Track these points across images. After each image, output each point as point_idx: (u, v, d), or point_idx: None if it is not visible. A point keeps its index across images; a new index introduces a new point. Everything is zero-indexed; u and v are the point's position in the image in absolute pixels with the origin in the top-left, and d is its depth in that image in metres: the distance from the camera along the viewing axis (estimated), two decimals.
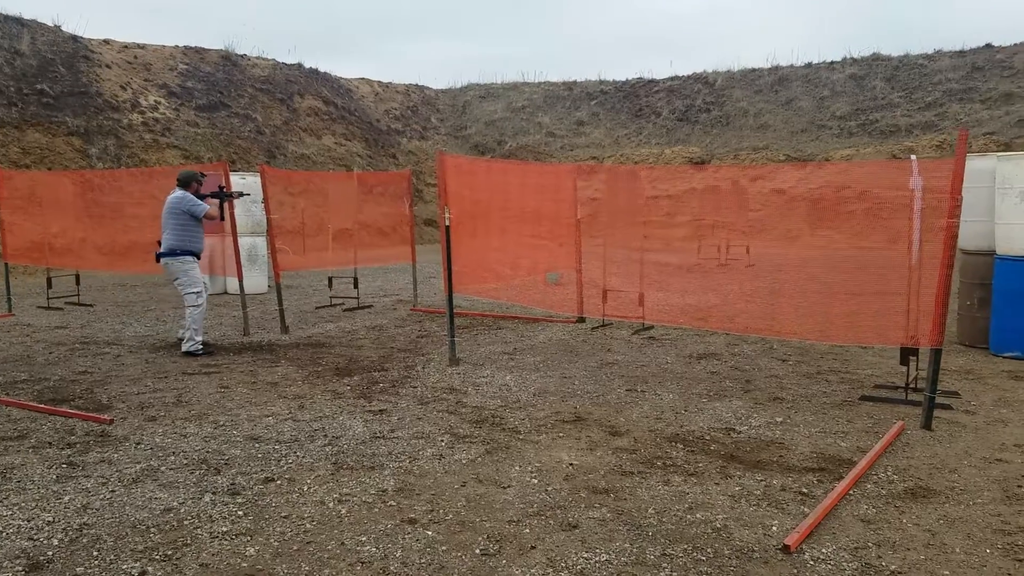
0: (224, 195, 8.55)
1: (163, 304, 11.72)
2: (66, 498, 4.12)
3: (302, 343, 8.61)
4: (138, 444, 5.03)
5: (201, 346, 7.98)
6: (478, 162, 13.32)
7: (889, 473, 4.44)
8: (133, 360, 7.71)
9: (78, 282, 11.82)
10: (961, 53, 27.90)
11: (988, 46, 27.45)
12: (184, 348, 7.93)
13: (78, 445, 5.00)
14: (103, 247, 15.39)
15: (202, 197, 8.14)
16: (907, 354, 5.86)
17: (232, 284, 12.71)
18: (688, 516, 3.85)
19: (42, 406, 5.84)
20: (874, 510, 3.93)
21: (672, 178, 24.76)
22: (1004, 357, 7.41)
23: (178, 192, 8.02)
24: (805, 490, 4.18)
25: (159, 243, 8.02)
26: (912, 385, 5.94)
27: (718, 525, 3.74)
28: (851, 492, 4.15)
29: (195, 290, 7.94)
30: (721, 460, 4.66)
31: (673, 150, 29.32)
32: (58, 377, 6.94)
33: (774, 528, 3.70)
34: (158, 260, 8.00)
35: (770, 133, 29.12)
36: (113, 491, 4.22)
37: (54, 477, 4.43)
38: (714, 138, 29.80)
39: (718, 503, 4.01)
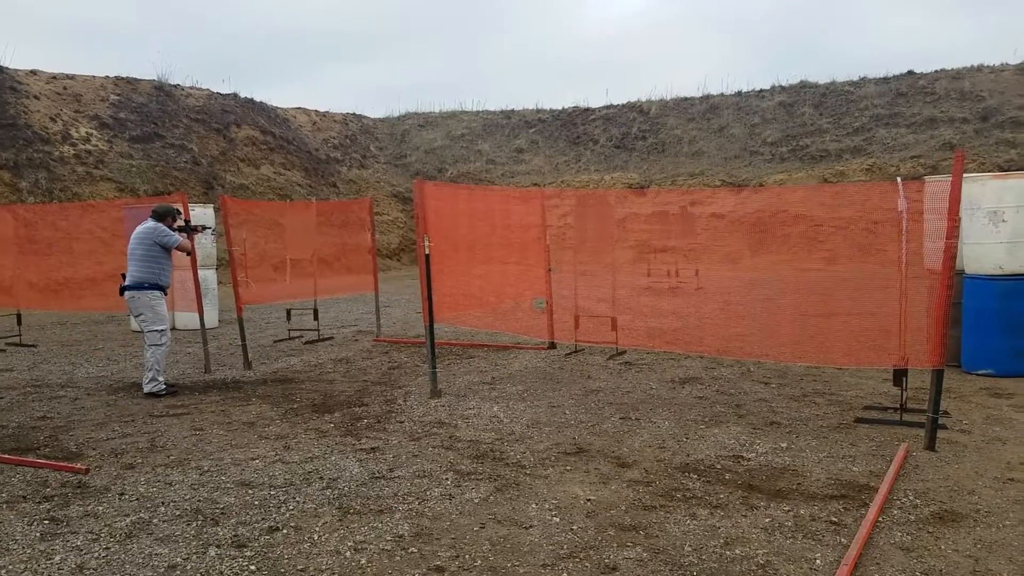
0: (189, 228, 8.21)
1: (110, 342, 11.16)
2: (57, 558, 3.78)
3: (269, 379, 8.27)
4: (122, 495, 4.68)
5: (164, 386, 7.58)
6: (457, 189, 13.15)
7: (911, 498, 4.41)
8: (93, 403, 7.26)
9: (19, 322, 11.17)
10: (885, 80, 28.98)
11: (910, 72, 28.60)
12: (146, 389, 7.50)
13: (56, 498, 4.63)
14: (38, 284, 14.69)
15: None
16: (900, 375, 5.89)
17: (181, 319, 12.21)
18: (727, 552, 3.73)
19: (8, 456, 5.41)
20: (909, 537, 3.88)
21: (615, 203, 25.01)
22: (978, 375, 7.55)
23: (149, 223, 7.66)
24: (835, 519, 4.11)
25: (123, 276, 7.61)
26: (904, 406, 5.98)
27: (761, 561, 3.63)
28: (880, 519, 4.10)
29: (159, 327, 7.54)
30: (740, 490, 4.57)
31: (612, 176, 29.66)
32: (16, 424, 6.47)
33: (818, 561, 3.61)
34: (122, 293, 7.57)
35: (705, 159, 29.70)
36: (108, 548, 3.90)
37: (38, 535, 4.07)
38: (651, 164, 30.26)
39: (753, 537, 3.90)
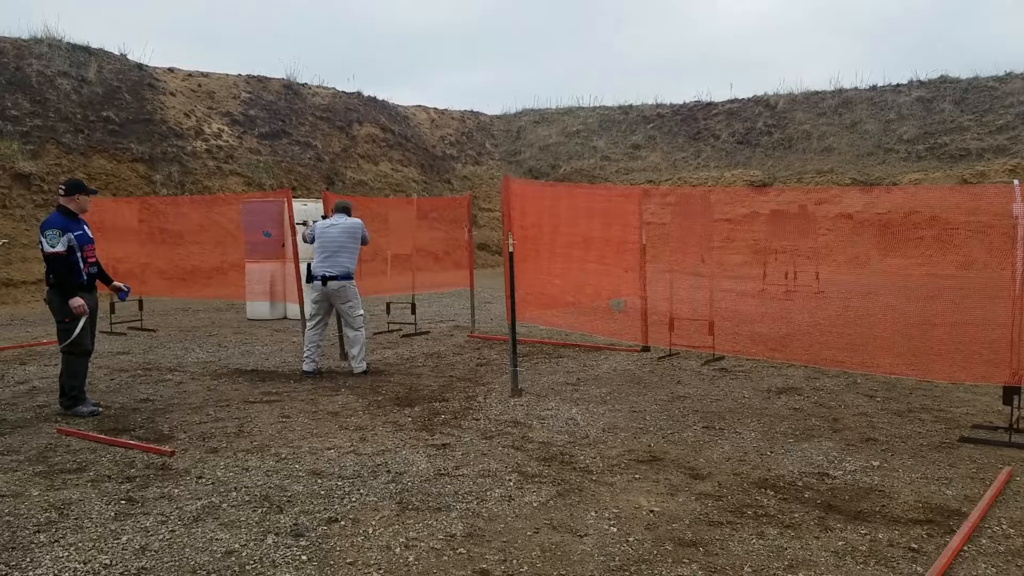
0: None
1: (225, 329, 11.69)
2: (124, 538, 3.94)
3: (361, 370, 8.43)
4: (199, 478, 4.86)
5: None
6: (544, 186, 13.10)
7: (1004, 526, 4.03)
8: (195, 387, 7.61)
9: (141, 307, 11.87)
10: None
11: None
12: (360, 369, 8.15)
13: (138, 479, 4.85)
14: (165, 272, 15.55)
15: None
16: (1011, 393, 5.41)
17: (292, 310, 12.65)
18: None
19: (102, 437, 5.73)
20: (994, 570, 3.54)
21: (733, 201, 24.30)
22: None
23: (353, 218, 8.22)
24: (915, 545, 3.79)
25: (308, 266, 8.08)
26: (1015, 426, 5.49)
27: None
28: (965, 548, 3.76)
29: (362, 312, 8.23)
30: (818, 510, 4.29)
31: (733, 173, 28.82)
32: (119, 405, 6.86)
33: None
34: (324, 283, 7.94)
35: (835, 156, 28.38)
36: (173, 531, 4.04)
37: (112, 514, 4.26)
38: (776, 161, 29.17)
39: (821, 560, 3.65)
